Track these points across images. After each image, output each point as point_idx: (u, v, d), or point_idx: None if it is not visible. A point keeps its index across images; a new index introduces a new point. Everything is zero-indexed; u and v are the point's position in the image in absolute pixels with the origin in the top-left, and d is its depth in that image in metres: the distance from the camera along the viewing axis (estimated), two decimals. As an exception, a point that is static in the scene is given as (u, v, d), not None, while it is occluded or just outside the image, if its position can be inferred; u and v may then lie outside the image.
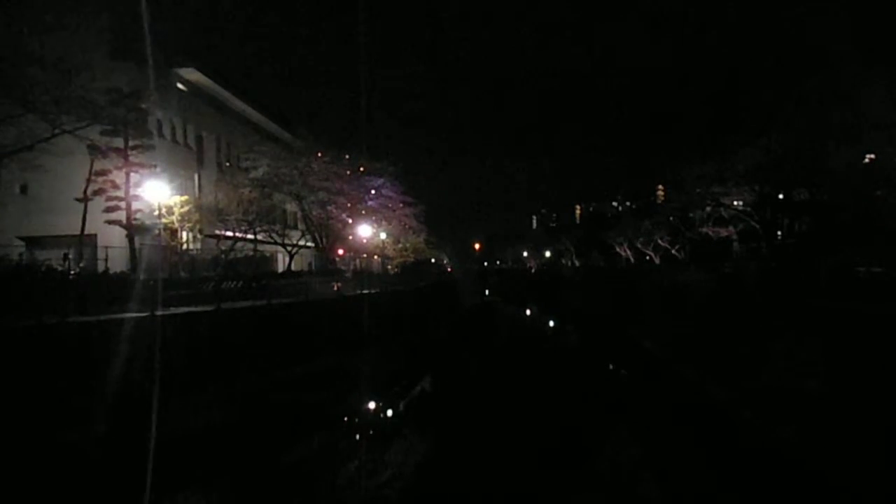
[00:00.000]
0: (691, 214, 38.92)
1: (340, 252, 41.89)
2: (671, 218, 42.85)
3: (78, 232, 22.24)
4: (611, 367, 25.07)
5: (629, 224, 56.19)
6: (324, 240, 36.18)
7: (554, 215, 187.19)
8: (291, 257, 35.20)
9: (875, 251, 21.66)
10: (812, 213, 31.40)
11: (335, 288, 31.11)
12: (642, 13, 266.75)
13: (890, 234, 22.62)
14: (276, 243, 34.45)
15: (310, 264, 42.23)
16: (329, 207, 33.89)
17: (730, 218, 34.79)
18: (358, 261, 48.23)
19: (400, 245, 48.15)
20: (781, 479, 10.39)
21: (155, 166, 23.54)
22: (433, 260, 77.20)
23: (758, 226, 31.12)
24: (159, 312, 16.49)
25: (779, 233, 32.84)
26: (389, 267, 48.28)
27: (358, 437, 14.65)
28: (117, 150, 22.40)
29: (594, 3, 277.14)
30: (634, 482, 11.07)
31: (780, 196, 33.35)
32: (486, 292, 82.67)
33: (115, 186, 22.71)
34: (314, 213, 34.53)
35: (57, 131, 19.20)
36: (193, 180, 33.53)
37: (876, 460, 9.77)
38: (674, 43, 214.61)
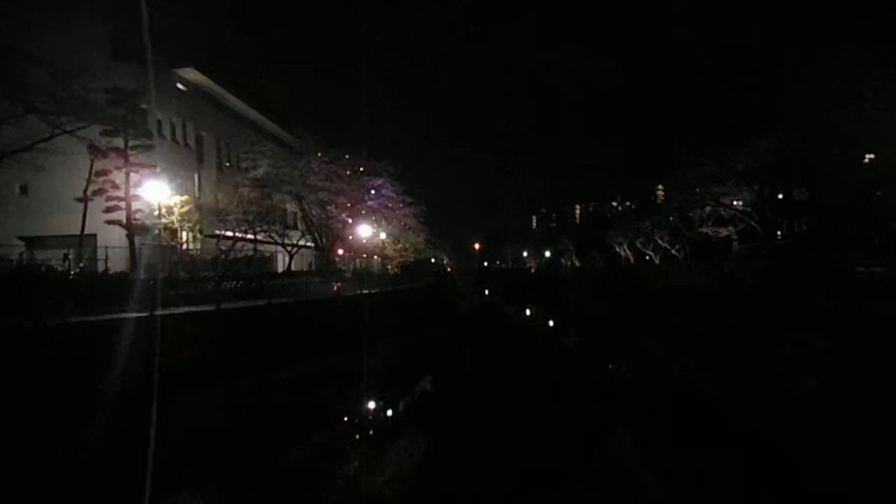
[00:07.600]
0: (691, 214, 38.89)
1: (340, 252, 41.90)
2: (671, 218, 42.79)
3: (78, 232, 22.26)
4: (610, 367, 25.09)
5: (629, 224, 56.00)
6: (324, 240, 36.18)
7: (554, 215, 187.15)
8: (291, 257, 35.22)
9: (875, 251, 21.69)
10: (812, 213, 31.40)
11: (335, 288, 31.18)
12: (642, 15, 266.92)
13: (890, 234, 22.65)
14: (276, 243, 34.46)
15: (310, 264, 42.25)
16: (329, 207, 33.89)
17: (729, 218, 34.81)
18: (358, 261, 48.25)
19: (400, 245, 48.12)
20: (781, 480, 10.40)
21: (155, 166, 23.55)
22: (433, 259, 77.28)
23: (757, 226, 31.13)
24: (159, 312, 16.53)
25: (778, 233, 32.84)
26: (389, 267, 48.26)
27: (357, 436, 14.66)
28: (117, 150, 22.42)
29: (594, 4, 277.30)
30: (634, 482, 11.08)
31: (780, 196, 33.38)
32: (486, 292, 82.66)
33: (115, 186, 22.72)
34: (314, 213, 34.53)
35: (57, 131, 19.22)
36: (193, 180, 33.56)
37: (877, 460, 9.78)
38: (673, 43, 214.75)
